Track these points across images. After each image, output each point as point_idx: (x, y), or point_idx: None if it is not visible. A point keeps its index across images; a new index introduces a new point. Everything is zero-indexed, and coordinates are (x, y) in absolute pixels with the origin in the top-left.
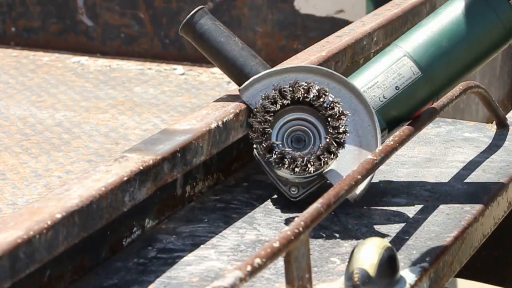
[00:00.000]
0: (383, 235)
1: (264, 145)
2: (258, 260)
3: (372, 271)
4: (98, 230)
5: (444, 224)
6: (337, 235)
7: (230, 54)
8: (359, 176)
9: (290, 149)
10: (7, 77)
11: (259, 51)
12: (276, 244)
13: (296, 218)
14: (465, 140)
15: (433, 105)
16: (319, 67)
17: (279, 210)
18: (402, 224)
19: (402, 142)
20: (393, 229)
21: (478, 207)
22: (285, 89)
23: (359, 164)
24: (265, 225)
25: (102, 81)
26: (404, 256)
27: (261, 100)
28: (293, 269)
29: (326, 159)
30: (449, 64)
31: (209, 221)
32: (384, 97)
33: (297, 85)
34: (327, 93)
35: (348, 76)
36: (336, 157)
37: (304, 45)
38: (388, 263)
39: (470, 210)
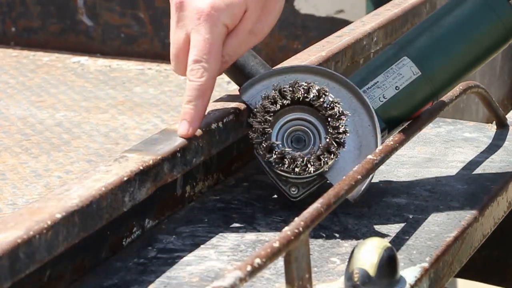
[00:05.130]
0: (383, 235)
1: (264, 145)
2: (258, 260)
3: (372, 271)
4: (98, 230)
5: (444, 224)
6: (337, 235)
7: None
8: (359, 176)
9: (290, 149)
10: (7, 77)
11: (259, 51)
12: (276, 244)
13: (296, 218)
14: (465, 140)
15: (433, 105)
16: (319, 67)
17: (279, 210)
18: (402, 224)
19: (402, 142)
20: (393, 229)
21: (478, 207)
22: (285, 89)
23: (359, 164)
24: (265, 225)
25: (102, 81)
26: (404, 256)
27: (261, 100)
28: (293, 269)
29: (326, 159)
30: (449, 64)
31: (209, 221)
32: (384, 97)
33: (297, 85)
34: (327, 93)
35: (348, 76)
36: (336, 157)
37: (304, 45)
38: (388, 263)
39: (470, 210)
